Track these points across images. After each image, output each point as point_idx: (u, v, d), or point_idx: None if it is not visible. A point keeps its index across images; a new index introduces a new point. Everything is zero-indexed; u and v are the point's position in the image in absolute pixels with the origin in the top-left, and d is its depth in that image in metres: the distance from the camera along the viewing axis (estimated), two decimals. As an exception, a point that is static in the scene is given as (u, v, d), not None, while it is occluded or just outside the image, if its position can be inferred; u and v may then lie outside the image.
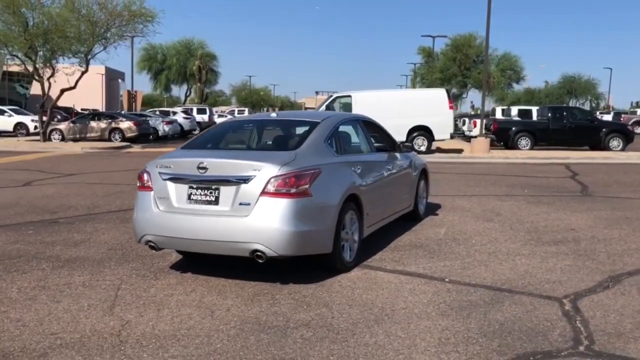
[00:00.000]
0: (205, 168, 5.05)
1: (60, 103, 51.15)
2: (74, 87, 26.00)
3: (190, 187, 5.14)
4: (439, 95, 20.85)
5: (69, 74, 25.61)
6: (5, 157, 19.28)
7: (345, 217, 5.57)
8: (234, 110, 56.21)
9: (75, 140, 26.99)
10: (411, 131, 20.68)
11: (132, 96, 42.08)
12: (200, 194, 5.09)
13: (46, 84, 26.09)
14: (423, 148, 20.72)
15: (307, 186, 5.00)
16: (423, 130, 20.72)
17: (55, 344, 3.96)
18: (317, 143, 5.55)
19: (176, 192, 5.19)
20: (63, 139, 27.03)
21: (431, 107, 20.46)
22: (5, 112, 33.73)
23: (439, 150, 23.01)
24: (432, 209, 9.18)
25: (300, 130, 5.89)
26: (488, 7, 22.54)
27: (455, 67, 63.50)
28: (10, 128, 33.01)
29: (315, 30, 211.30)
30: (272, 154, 5.34)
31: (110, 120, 28.11)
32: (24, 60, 25.73)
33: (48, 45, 25.05)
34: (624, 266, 5.90)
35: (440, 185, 12.39)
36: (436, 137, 20.89)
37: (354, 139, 6.69)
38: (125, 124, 27.74)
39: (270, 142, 6.14)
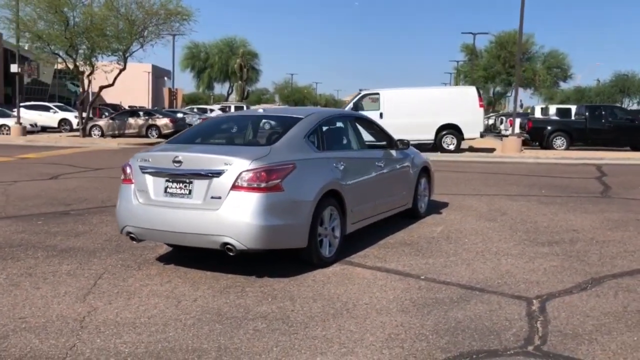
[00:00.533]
0: (180, 162, 5.18)
1: (109, 100, 52.70)
2: (112, 85, 26.79)
3: (167, 181, 5.28)
4: (469, 93, 20.54)
5: (108, 72, 26.40)
6: (43, 152, 20.04)
7: (324, 213, 5.61)
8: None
9: (114, 136, 27.82)
10: (440, 129, 20.44)
11: (172, 94, 43.03)
12: (176, 187, 5.22)
13: (86, 81, 26.96)
14: (452, 147, 20.46)
15: (278, 181, 5.06)
16: (452, 129, 20.44)
17: (19, 327, 4.14)
18: (295, 139, 5.60)
19: (154, 185, 5.34)
20: (102, 135, 27.89)
21: (461, 105, 20.17)
22: (50, 108, 35.07)
23: (471, 149, 22.72)
24: (437, 207, 9.10)
25: (282, 126, 5.95)
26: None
27: (500, 64, 62.33)
28: (55, 124, 34.29)
29: (357, 28, 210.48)
30: (246, 149, 5.43)
31: (147, 117, 28.85)
32: (65, 59, 26.65)
33: (88, 43, 25.88)
34: (612, 268, 5.74)
35: (456, 184, 12.27)
36: (465, 136, 20.58)
37: (342, 135, 6.70)
38: (161, 121, 28.43)
39: (250, 138, 6.23)
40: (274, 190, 5.02)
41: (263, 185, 4.97)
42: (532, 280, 5.31)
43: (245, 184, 4.96)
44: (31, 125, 30.43)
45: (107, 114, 36.62)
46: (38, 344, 3.86)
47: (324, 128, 6.12)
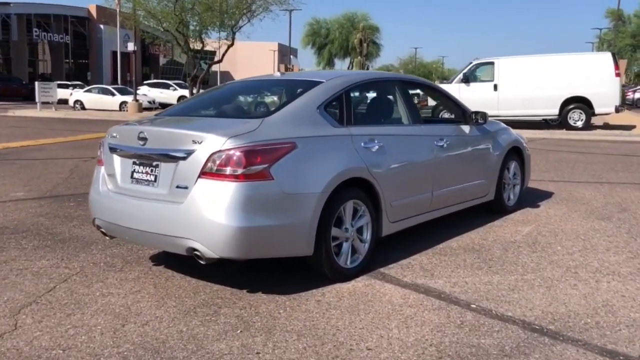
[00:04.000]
0: (145, 139, 3.99)
1: (237, 78, 53.64)
2: (220, 61, 26.69)
3: (134, 163, 4.12)
4: (603, 60, 17.46)
5: (216, 48, 26.28)
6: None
7: (343, 209, 4.17)
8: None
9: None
10: (565, 103, 17.69)
11: (289, 70, 42.77)
12: (142, 172, 4.05)
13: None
14: (580, 123, 17.67)
15: (264, 166, 3.69)
16: (580, 102, 17.60)
17: None
18: (302, 109, 4.17)
19: (121, 167, 4.21)
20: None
21: (591, 74, 17.26)
22: (170, 86, 36.14)
23: (606, 126, 19.67)
24: (535, 198, 7.22)
25: (291, 93, 4.56)
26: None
27: (653, 31, 55.36)
28: (175, 101, 35.18)
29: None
30: (226, 123, 4.10)
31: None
32: (176, 36, 26.89)
33: (197, 19, 25.86)
34: None
35: (573, 168, 10.10)
36: (597, 111, 17.62)
37: (381, 105, 5.16)
38: (269, 97, 27.96)
39: (245, 108, 4.89)
40: (257, 178, 3.67)
41: (241, 171, 3.63)
42: (641, 323, 3.51)
43: (216, 170, 3.66)
44: (149, 102, 31.38)
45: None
46: None
47: (353, 96, 4.63)
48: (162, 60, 71.82)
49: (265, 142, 3.75)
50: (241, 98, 5.20)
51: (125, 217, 4.07)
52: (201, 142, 3.71)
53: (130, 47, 28.27)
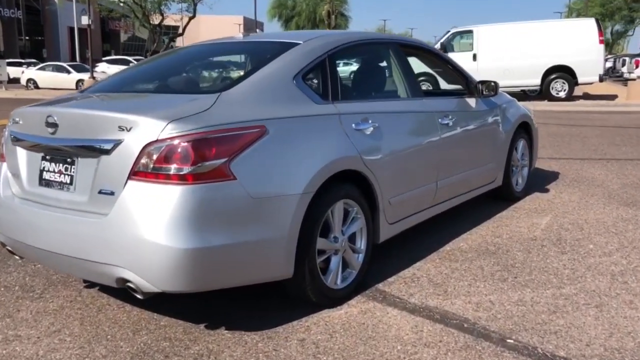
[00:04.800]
0: (54, 125, 2.86)
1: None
2: (182, 34, 25.17)
3: (44, 158, 3.00)
4: (586, 26, 16.64)
5: (178, 21, 24.80)
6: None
7: (331, 213, 3.14)
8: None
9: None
10: (548, 73, 16.88)
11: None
12: (53, 171, 2.94)
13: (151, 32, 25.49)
14: (562, 94, 16.91)
15: (221, 160, 2.62)
16: (563, 72, 16.81)
17: None
18: (273, 79, 3.09)
19: (27, 165, 3.09)
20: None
21: (574, 42, 16.44)
22: (130, 62, 34.32)
23: (586, 96, 18.97)
24: (542, 180, 6.31)
25: (258, 58, 3.48)
26: None
27: (621, -2, 55.10)
28: (136, 78, 33.62)
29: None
30: (167, 100, 3.00)
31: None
32: (134, 9, 25.22)
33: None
34: None
35: (570, 143, 9.25)
36: (580, 80, 16.86)
37: (374, 75, 4.11)
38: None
39: (195, 80, 3.79)
40: (213, 178, 2.60)
41: (189, 169, 2.56)
42: None
43: (154, 168, 2.58)
44: (108, 79, 29.69)
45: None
46: None
47: (339, 62, 3.57)
48: (124, 37, 69.33)
49: (223, 126, 2.67)
50: (193, 67, 4.07)
51: (33, 233, 2.96)
52: (130, 129, 2.61)
53: (85, 21, 26.42)
